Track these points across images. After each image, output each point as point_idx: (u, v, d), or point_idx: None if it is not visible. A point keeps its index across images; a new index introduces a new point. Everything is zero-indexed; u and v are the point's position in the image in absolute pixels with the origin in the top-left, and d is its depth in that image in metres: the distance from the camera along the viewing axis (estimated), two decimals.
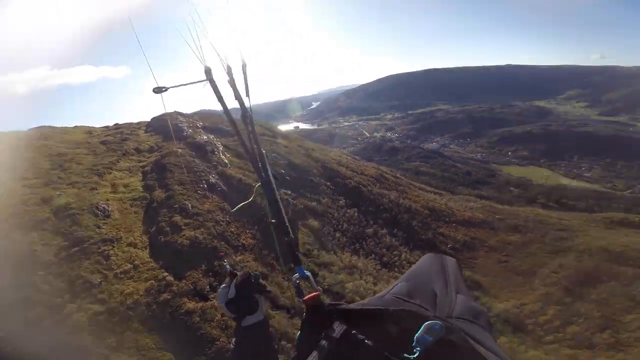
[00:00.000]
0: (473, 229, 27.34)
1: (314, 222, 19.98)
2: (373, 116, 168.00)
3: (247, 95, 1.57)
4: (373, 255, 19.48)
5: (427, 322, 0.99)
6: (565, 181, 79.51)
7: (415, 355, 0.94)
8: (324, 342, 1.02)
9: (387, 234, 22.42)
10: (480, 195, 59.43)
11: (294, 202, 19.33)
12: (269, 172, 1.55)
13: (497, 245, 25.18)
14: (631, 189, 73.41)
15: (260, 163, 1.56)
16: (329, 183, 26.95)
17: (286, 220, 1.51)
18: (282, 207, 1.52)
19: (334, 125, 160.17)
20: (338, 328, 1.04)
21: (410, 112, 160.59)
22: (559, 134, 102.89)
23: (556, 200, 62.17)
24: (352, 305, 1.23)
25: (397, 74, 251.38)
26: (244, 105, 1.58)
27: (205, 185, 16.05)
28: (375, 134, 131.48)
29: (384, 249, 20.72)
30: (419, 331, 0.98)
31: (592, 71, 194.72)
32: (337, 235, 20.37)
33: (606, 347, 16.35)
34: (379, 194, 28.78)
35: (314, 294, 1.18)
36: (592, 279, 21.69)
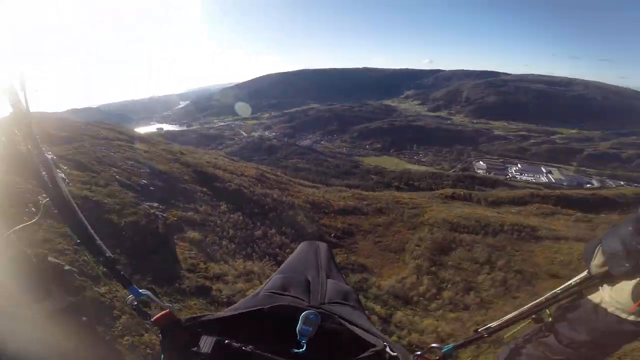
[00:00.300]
0: (349, 216, 29.96)
1: (194, 234, 17.94)
2: (250, 115, 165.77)
3: (23, 89, 1.15)
4: (267, 256, 18.95)
5: (303, 313, 1.02)
6: (409, 166, 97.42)
7: (303, 349, 0.96)
8: None
9: (276, 233, 22.27)
10: (349, 184, 66.30)
11: (164, 215, 16.77)
12: (59, 183, 1.14)
13: (369, 228, 28.35)
14: (454, 168, 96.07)
15: (45, 173, 1.15)
16: (205, 189, 24.75)
17: (97, 239, 1.18)
18: (86, 223, 1.18)
19: (207, 125, 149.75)
20: (206, 342, 0.95)
21: (286, 111, 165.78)
22: (401, 128, 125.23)
23: (405, 183, 75.60)
24: (221, 314, 1.12)
25: (274, 74, 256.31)
26: (19, 102, 1.15)
27: (34, 209, 12.01)
28: (253, 133, 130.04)
29: (277, 249, 20.51)
30: (298, 323, 1.00)
31: (423, 74, 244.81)
32: (224, 243, 18.95)
33: (476, 307, 20.02)
34: (262, 194, 28.22)
35: (164, 312, 1.05)
36: (444, 247, 26.86)
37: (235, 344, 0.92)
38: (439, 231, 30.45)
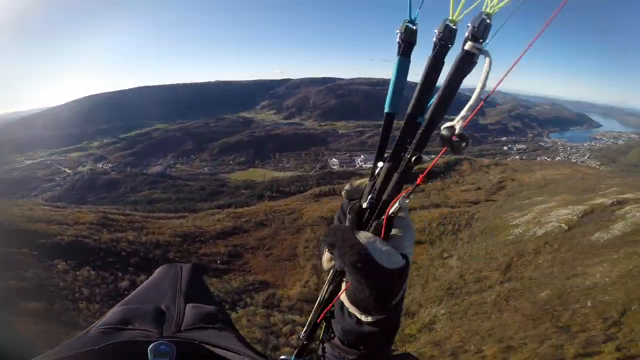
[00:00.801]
0: (231, 238, 28.29)
1: (34, 305, 13.87)
2: (72, 146, 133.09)
3: None
4: None
5: (151, 346, 0.92)
6: (276, 174, 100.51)
7: None
8: None
9: (146, 279, 18.85)
10: (220, 205, 63.26)
11: None
12: None
13: (256, 243, 27.54)
14: (314, 169, 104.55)
15: None
16: (26, 249, 18.98)
17: None
18: None
19: (8, 167, 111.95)
20: None
21: (123, 135, 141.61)
22: (262, 139, 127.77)
23: (276, 191, 77.39)
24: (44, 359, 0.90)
25: (102, 94, 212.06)
26: None
27: None
28: (81, 168, 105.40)
29: None
30: (149, 358, 0.90)
31: (275, 84, 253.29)
32: (83, 305, 15.09)
33: None
34: (112, 240, 23.47)
35: None
36: None
37: None
38: (320, 229, 32.49)
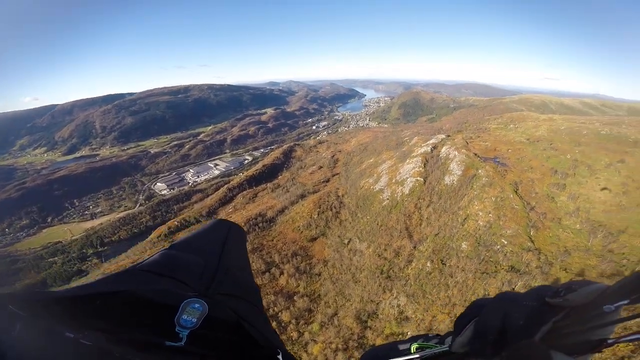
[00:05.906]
0: None
1: None
2: None
3: None
4: None
5: (185, 301, 0.90)
6: (88, 225, 77.11)
7: (182, 342, 0.83)
8: None
9: None
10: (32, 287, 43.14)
11: None
12: None
13: None
14: (139, 203, 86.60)
15: None
16: None
17: None
18: None
19: None
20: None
21: None
22: (42, 188, 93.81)
23: (102, 244, 59.67)
24: (69, 292, 0.83)
25: None
26: None
27: None
28: None
29: None
30: (178, 312, 0.87)
31: (33, 115, 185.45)
32: None
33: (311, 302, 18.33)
34: None
35: None
36: None
37: (69, 334, 0.68)
38: None
